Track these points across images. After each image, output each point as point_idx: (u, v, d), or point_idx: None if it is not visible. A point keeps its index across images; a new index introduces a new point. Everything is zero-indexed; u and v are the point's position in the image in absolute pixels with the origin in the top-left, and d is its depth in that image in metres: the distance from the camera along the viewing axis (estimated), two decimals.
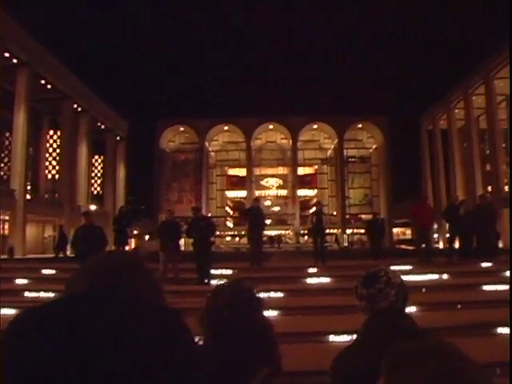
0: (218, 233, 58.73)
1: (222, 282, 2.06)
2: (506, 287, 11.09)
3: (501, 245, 21.05)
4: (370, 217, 24.84)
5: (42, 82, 39.30)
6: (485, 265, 14.32)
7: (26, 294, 11.03)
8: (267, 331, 1.88)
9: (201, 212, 14.93)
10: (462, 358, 1.15)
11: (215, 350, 1.79)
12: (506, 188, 45.23)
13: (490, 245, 16.03)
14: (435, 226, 46.20)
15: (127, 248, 20.49)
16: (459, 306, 9.43)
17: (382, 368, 1.19)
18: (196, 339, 1.90)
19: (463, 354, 1.17)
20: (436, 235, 51.37)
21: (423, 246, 16.62)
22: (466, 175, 52.23)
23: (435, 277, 12.77)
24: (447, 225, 17.72)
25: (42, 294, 10.59)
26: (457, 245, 17.41)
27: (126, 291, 1.19)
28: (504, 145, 46.72)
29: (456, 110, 53.23)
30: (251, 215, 15.98)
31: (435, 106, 58.08)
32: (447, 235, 19.06)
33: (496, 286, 11.22)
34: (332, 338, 7.51)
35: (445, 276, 12.84)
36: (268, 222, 43.29)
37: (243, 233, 56.50)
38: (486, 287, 11.21)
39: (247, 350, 1.76)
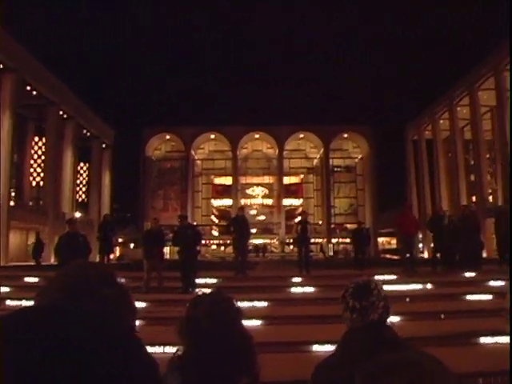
0: (203, 241, 58.62)
1: (201, 292, 2.05)
2: (489, 297, 11.16)
3: (485, 254, 21.19)
4: (355, 226, 24.67)
5: (28, 88, 39.07)
6: (468, 275, 14.41)
7: (8, 302, 10.91)
8: (246, 341, 1.86)
9: (187, 220, 14.89)
10: (440, 370, 1.15)
11: (194, 360, 1.77)
12: (490, 198, 45.65)
13: (473, 255, 16.15)
14: (420, 236, 46.45)
15: (112, 256, 20.34)
16: (443, 316, 9.47)
17: (357, 379, 1.18)
18: (175, 349, 1.89)
19: (442, 366, 1.17)
20: (421, 245, 51.64)
21: (407, 255, 16.68)
22: (450, 185, 52.57)
23: (419, 286, 12.83)
24: (432, 235, 17.83)
25: (25, 303, 10.46)
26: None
27: (93, 304, 1.18)
28: (488, 155, 47.17)
29: (441, 121, 53.62)
30: (236, 224, 15.98)
31: (420, 117, 58.46)
32: (432, 245, 19.13)
33: (479, 295, 11.28)
34: (316, 347, 7.50)
35: (429, 286, 12.90)
36: (253, 230, 43.27)
37: (229, 242, 56.46)
38: (469, 297, 11.27)
39: (226, 360, 1.75)
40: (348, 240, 51.81)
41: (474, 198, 48.40)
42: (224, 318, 1.84)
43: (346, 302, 2.29)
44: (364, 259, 18.88)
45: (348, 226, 61.28)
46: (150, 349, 6.87)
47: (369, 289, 2.30)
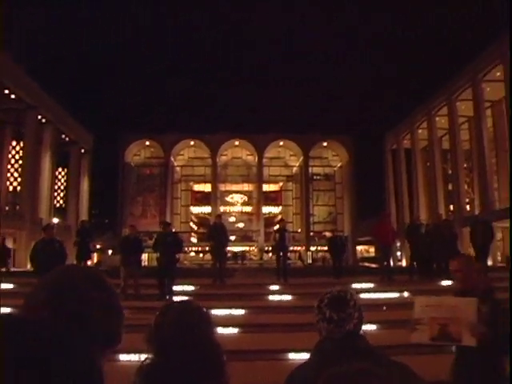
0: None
1: (172, 300, 2.04)
2: None
3: None
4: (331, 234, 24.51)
5: (6, 91, 38.67)
6: (445, 283, 14.52)
7: None
8: (215, 350, 1.86)
9: (170, 227, 14.85)
10: (404, 381, 1.15)
11: (161, 368, 1.77)
12: (468, 207, 46.11)
13: (448, 263, 16.24)
14: (398, 245, 46.76)
15: (89, 262, 20.15)
16: None
17: None
18: (143, 357, 1.88)
19: (408, 378, 1.17)
20: (399, 253, 51.96)
21: (385, 263, 16.77)
22: (428, 194, 53.02)
23: (396, 295, 12.91)
24: (409, 244, 17.90)
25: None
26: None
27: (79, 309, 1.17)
28: (465, 165, 47.68)
29: (419, 130, 54.11)
30: (214, 231, 15.94)
31: (399, 126, 58.84)
32: (409, 253, 19.18)
33: None
34: (292, 355, 7.50)
35: (405, 294, 12.98)
36: (232, 238, 43.23)
37: (207, 249, 56.21)
38: None
39: (193, 368, 1.74)
40: (326, 248, 51.87)
41: (451, 207, 48.93)
42: (192, 326, 1.83)
43: (323, 312, 2.26)
44: (341, 267, 18.56)
45: (327, 233, 61.37)
46: (126, 356, 6.85)
47: (345, 300, 2.28)
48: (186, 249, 60.25)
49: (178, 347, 1.76)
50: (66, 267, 1.37)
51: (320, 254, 59.90)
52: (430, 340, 2.95)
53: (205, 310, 1.97)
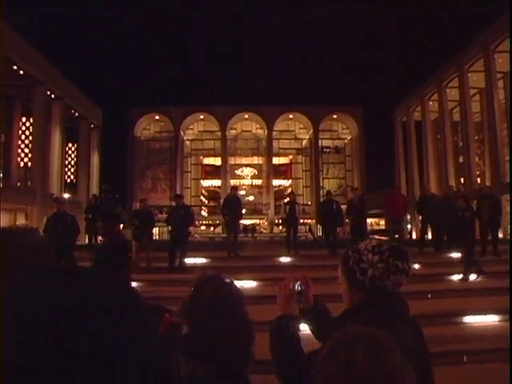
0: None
1: (204, 275, 2.02)
2: (474, 276, 11.30)
3: None
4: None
5: (14, 67, 38.54)
6: (455, 255, 14.56)
7: None
8: (249, 323, 1.86)
9: (182, 200, 14.82)
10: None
11: (200, 340, 1.77)
12: (479, 180, 45.85)
13: (456, 236, 16.19)
14: (408, 217, 46.66)
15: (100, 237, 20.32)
16: (429, 296, 9.58)
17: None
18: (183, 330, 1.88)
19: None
20: (409, 226, 51.88)
21: (396, 236, 16.77)
22: (439, 167, 52.72)
23: None
24: (420, 216, 17.79)
25: None
26: (430, 236, 17.62)
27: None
28: (476, 137, 47.31)
29: (430, 102, 53.58)
30: (229, 204, 15.90)
31: (409, 98, 58.26)
32: (420, 226, 19.05)
33: None
34: (302, 326, 7.57)
35: (416, 266, 13.01)
36: (243, 211, 43.30)
37: (218, 222, 56.47)
38: (455, 277, 11.40)
39: (230, 340, 1.75)
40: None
41: (462, 180, 48.66)
42: (227, 300, 1.82)
43: (388, 263, 2.06)
44: (336, 243, 15.57)
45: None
46: None
47: (405, 250, 2.12)
48: (197, 222, 60.52)
49: (216, 321, 1.76)
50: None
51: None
52: None
53: (235, 285, 1.96)
